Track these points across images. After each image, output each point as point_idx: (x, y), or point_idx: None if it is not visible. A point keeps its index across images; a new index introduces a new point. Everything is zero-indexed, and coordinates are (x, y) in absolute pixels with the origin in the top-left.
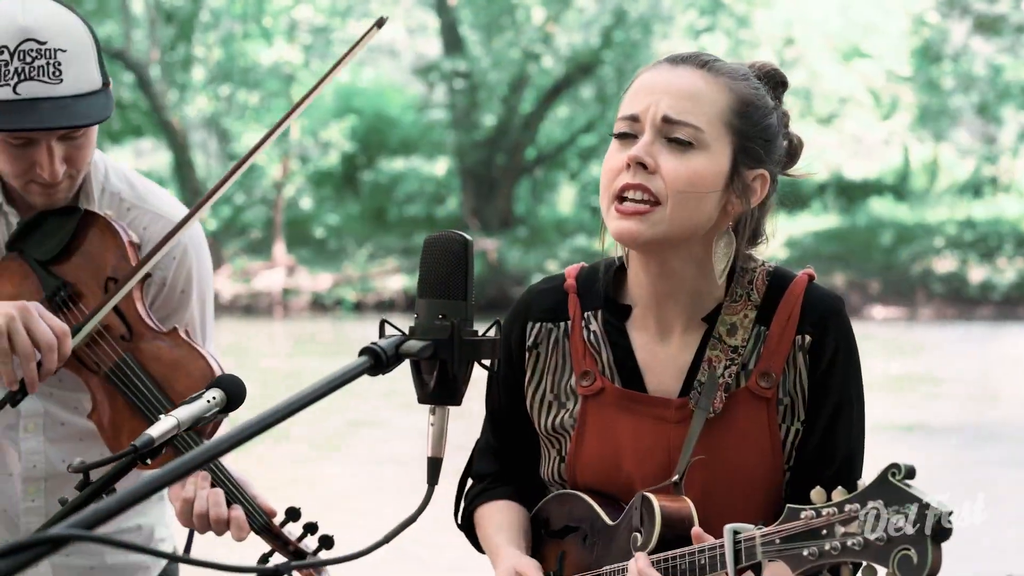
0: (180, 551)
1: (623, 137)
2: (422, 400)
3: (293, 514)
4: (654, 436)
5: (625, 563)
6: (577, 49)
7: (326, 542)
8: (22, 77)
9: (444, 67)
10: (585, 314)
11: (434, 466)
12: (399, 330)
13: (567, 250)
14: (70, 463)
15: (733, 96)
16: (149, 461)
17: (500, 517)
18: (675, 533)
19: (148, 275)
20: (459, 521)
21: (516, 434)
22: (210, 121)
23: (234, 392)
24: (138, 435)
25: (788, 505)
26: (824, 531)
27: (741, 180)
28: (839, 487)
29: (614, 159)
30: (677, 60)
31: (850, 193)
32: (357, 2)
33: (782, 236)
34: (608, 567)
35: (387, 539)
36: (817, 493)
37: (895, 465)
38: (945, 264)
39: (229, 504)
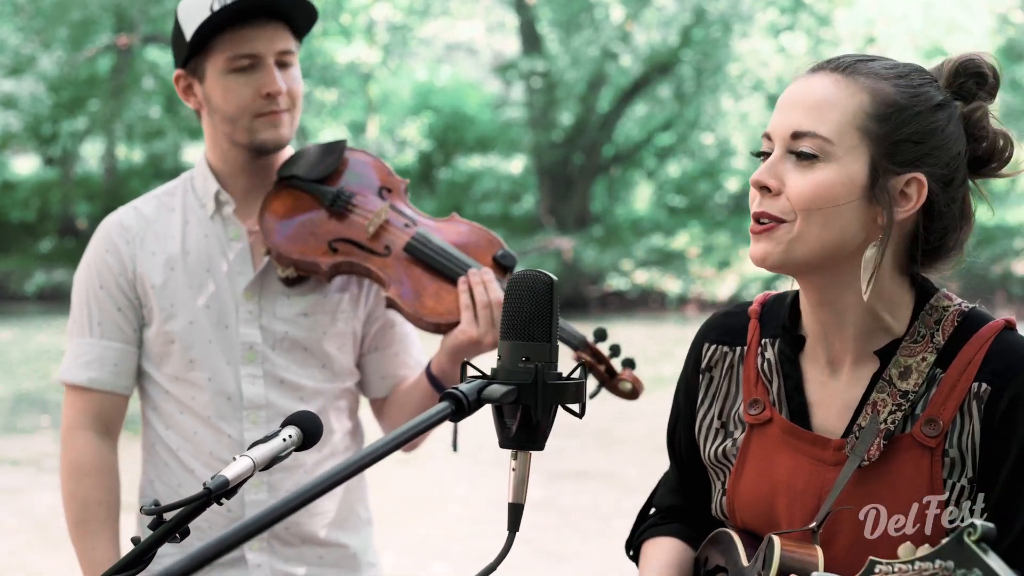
0: None
1: (762, 156)
2: (503, 445)
3: (601, 334)
4: (809, 477)
5: None
6: (656, 48)
7: (629, 363)
8: None
9: (522, 65)
10: (763, 341)
11: (515, 512)
12: (480, 372)
13: (643, 249)
14: (143, 504)
15: (872, 98)
16: (223, 502)
17: (656, 554)
18: None
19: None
20: (629, 552)
21: (693, 466)
22: None
23: (311, 430)
24: (441, 297)
25: (870, 558)
26: None
27: (886, 189)
28: (926, 544)
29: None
30: (816, 67)
31: None
32: (436, 1)
33: None
34: None
35: None
36: (905, 548)
37: (972, 524)
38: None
39: None
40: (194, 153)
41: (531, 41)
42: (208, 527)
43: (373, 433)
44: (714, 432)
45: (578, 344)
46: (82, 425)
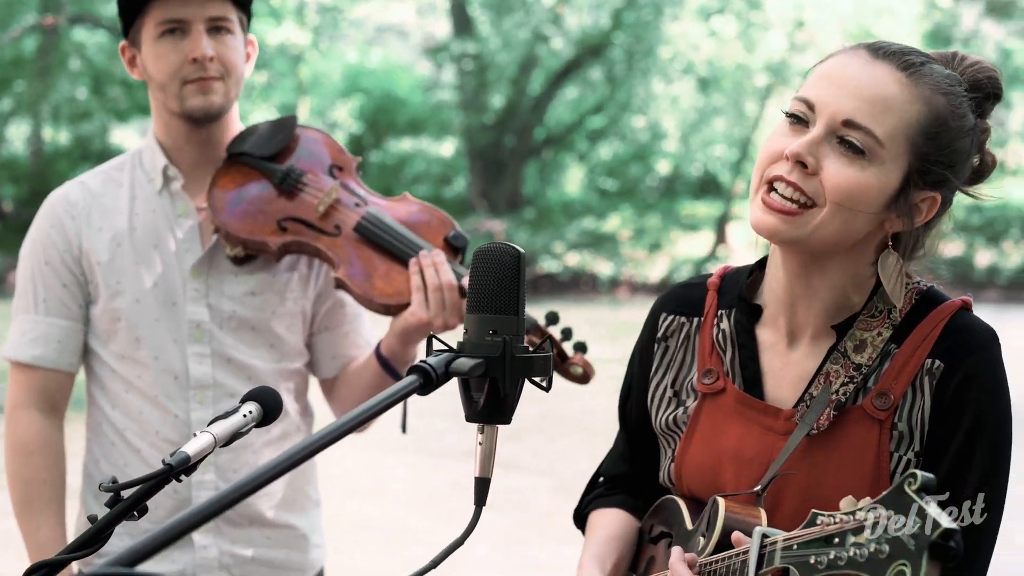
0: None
1: (794, 119)
2: (470, 418)
3: (553, 317)
4: (758, 446)
5: None
6: (587, 31)
7: (581, 347)
8: None
9: (453, 48)
10: (719, 312)
11: (482, 486)
12: (447, 346)
13: (574, 232)
14: (101, 482)
15: (928, 112)
16: (182, 479)
17: (600, 526)
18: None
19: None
20: (577, 521)
21: (644, 435)
22: None
23: (271, 405)
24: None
25: (812, 510)
26: (836, 539)
27: (907, 201)
28: (867, 497)
29: (777, 141)
30: (879, 54)
31: None
32: None
33: None
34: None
35: (435, 563)
36: (846, 501)
37: (912, 474)
38: (952, 248)
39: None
40: (122, 135)
41: (462, 23)
42: (155, 507)
43: (323, 414)
44: (667, 400)
45: (529, 327)
46: (27, 403)
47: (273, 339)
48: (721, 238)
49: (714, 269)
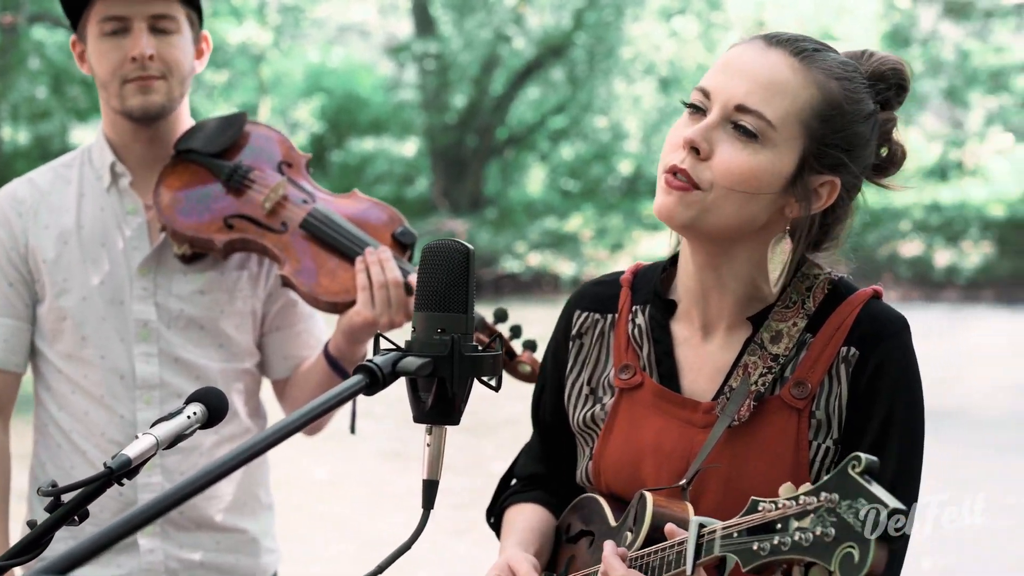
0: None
1: (693, 109)
2: (418, 419)
3: (501, 315)
4: (678, 439)
5: None
6: (549, 31)
7: (530, 345)
8: None
9: (415, 47)
10: (634, 308)
11: (430, 489)
12: (395, 345)
13: (536, 232)
14: (40, 486)
15: (821, 96)
16: (125, 482)
17: (520, 519)
18: (663, 535)
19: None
20: (490, 520)
21: (559, 433)
22: None
23: (216, 407)
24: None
25: (752, 497)
26: (779, 525)
27: (804, 185)
28: (807, 483)
29: (677, 132)
30: (773, 42)
31: None
32: None
33: None
34: (595, 567)
35: (381, 568)
36: (785, 487)
37: (856, 457)
38: (911, 248)
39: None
40: (81, 135)
41: (424, 23)
42: (100, 510)
43: (275, 415)
44: (583, 398)
45: (477, 325)
46: None
47: (222, 339)
48: None
49: (637, 262)
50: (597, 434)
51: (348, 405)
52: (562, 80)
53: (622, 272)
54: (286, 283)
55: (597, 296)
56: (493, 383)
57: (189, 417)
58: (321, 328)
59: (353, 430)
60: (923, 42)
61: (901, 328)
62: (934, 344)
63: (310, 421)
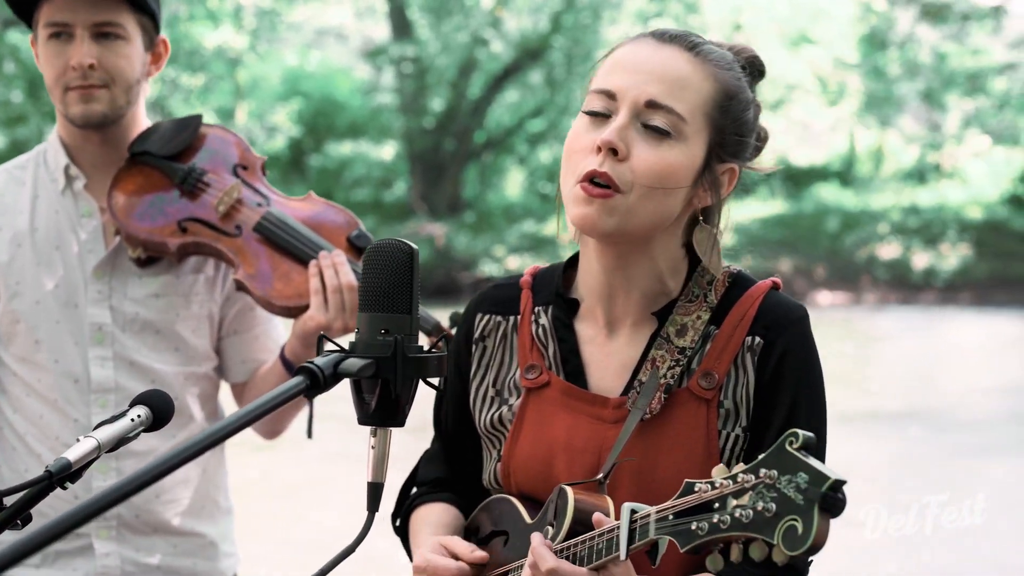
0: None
1: (595, 115)
2: (362, 421)
3: (457, 319)
4: (589, 436)
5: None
6: (526, 34)
7: None
8: None
9: (392, 51)
10: (536, 309)
11: (375, 492)
12: (338, 346)
13: (515, 235)
14: None
15: (718, 86)
16: (68, 485)
17: (432, 516)
18: (587, 527)
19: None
20: (396, 527)
21: (462, 438)
22: (155, 104)
23: (161, 409)
24: (290, 279)
25: (685, 480)
26: (716, 504)
27: (712, 174)
28: (740, 463)
29: (582, 139)
30: (664, 38)
31: (796, 179)
32: None
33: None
34: (517, 562)
35: (323, 572)
36: (718, 469)
37: (793, 433)
38: (889, 250)
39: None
40: None
41: (401, 27)
42: (54, 514)
43: None
44: (489, 400)
45: (431, 329)
46: None
47: (178, 342)
48: None
49: (535, 264)
50: (505, 435)
51: (306, 409)
52: (540, 83)
53: (521, 275)
54: (240, 287)
55: (498, 299)
56: (437, 383)
57: (133, 420)
58: (279, 331)
59: (310, 434)
60: (900, 45)
61: (802, 316)
62: (912, 346)
63: (248, 424)
